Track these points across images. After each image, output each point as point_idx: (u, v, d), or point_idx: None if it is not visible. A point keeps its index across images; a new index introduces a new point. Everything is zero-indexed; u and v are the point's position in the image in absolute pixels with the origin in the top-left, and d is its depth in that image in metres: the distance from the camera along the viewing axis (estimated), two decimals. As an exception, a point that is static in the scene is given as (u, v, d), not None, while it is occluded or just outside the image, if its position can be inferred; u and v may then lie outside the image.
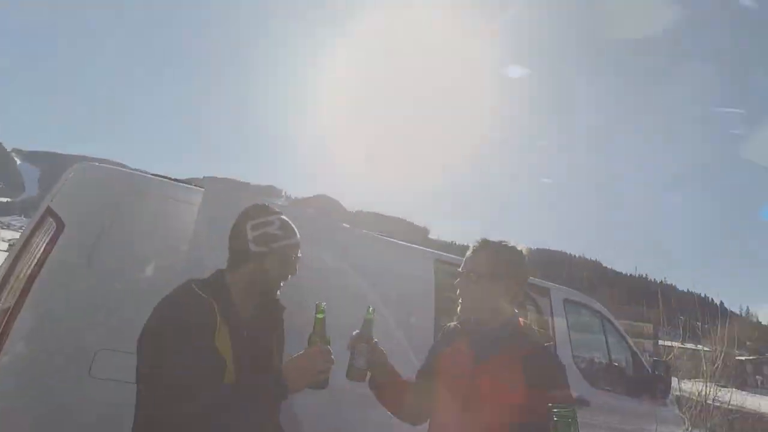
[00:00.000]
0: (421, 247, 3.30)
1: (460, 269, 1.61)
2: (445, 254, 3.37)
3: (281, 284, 1.51)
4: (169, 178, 2.39)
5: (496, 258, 1.56)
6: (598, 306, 4.27)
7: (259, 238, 1.45)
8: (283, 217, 1.53)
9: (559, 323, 3.62)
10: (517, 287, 1.60)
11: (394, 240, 3.14)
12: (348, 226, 2.97)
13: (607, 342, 4.23)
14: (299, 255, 1.52)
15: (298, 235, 1.52)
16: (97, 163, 2.27)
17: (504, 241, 1.62)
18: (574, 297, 4.05)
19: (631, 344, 4.50)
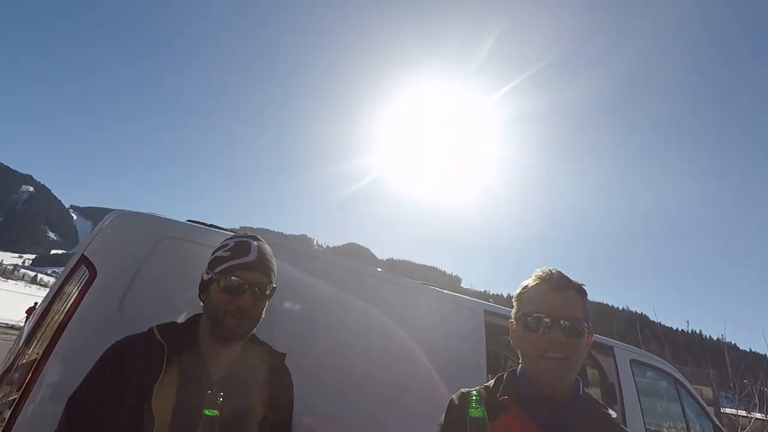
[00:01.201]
0: (468, 297, 3.04)
1: (540, 314, 1.10)
2: (492, 304, 3.10)
3: (239, 320, 1.14)
4: (203, 224, 2.30)
5: (585, 302, 1.15)
6: (669, 368, 3.79)
7: (210, 263, 1.23)
8: (246, 239, 1.23)
9: (627, 387, 3.20)
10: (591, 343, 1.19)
11: (439, 289, 2.90)
12: (382, 270, 2.80)
13: (683, 410, 3.70)
14: (255, 281, 1.17)
15: (254, 257, 1.18)
16: (132, 210, 2.22)
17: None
18: (642, 357, 3.61)
19: (711, 415, 3.92)
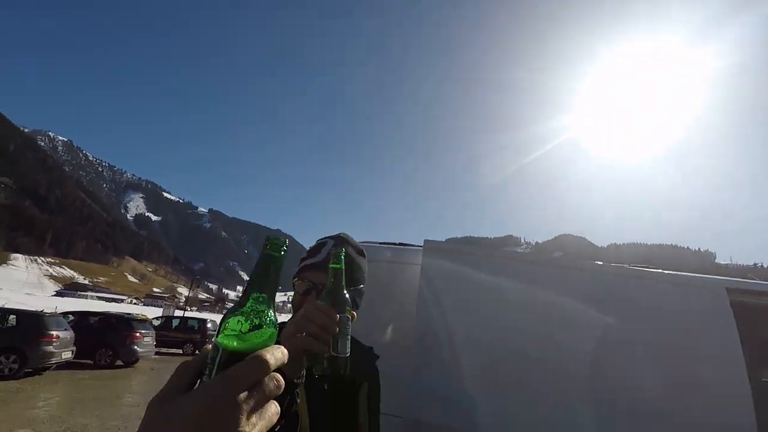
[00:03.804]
0: (707, 276, 2.49)
1: None
2: (741, 280, 2.46)
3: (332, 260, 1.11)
4: (393, 244, 2.54)
5: None
6: None
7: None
8: (324, 240, 1.20)
9: None
10: None
11: (660, 270, 2.46)
12: (600, 262, 2.51)
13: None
14: (321, 281, 1.10)
15: (322, 257, 1.14)
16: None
17: None
18: None
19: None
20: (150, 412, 0.41)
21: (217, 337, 0.48)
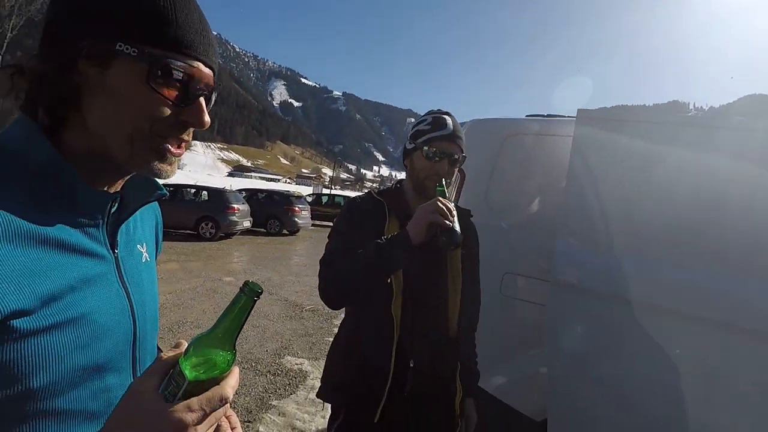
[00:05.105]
0: None
1: None
2: None
3: (436, 184, 1.37)
4: (541, 115, 2.42)
5: None
6: None
7: (412, 135, 1.46)
8: (442, 116, 1.43)
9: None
10: None
11: None
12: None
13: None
14: (450, 151, 1.38)
15: (450, 131, 1.39)
16: (482, 118, 2.59)
17: None
18: None
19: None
20: (132, 401, 0.52)
21: (185, 356, 0.53)
